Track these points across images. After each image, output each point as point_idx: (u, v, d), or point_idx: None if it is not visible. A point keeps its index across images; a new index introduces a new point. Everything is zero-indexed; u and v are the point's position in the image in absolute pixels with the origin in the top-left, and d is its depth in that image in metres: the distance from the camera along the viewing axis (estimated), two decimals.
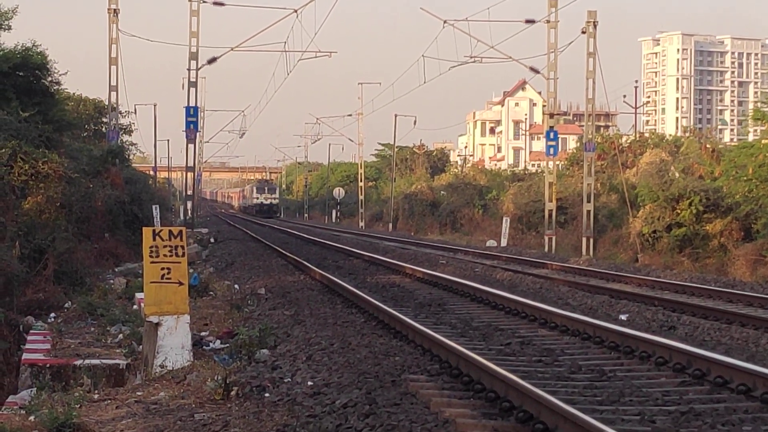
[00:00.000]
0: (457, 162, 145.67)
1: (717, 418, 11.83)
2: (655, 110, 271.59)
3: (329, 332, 19.59)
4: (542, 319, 21.04)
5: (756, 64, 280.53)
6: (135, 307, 23.28)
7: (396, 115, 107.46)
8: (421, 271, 33.70)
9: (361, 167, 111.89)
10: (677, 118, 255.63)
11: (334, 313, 23.15)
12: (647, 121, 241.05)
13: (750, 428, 11.34)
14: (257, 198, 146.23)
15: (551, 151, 58.23)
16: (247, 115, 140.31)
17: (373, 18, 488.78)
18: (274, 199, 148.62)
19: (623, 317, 22.76)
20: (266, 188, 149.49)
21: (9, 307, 21.94)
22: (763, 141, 47.59)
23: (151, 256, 16.94)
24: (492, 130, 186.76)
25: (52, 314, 24.25)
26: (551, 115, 59.88)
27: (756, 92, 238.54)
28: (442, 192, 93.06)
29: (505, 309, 23.38)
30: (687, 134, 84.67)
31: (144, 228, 17.86)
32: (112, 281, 32.04)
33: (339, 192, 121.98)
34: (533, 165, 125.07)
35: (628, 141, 74.44)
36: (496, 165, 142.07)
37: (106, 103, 58.44)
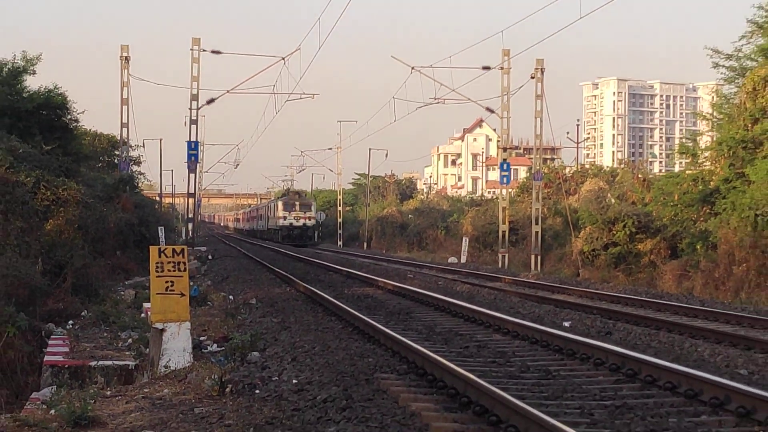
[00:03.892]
0: (423, 189, 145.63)
1: (647, 412, 11.90)
2: (594, 145, 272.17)
3: (311, 337, 19.58)
4: (496, 326, 21.09)
5: (681, 105, 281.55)
6: (143, 315, 23.23)
7: (370, 149, 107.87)
8: (391, 284, 33.72)
9: (339, 194, 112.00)
10: (613, 152, 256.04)
11: (315, 320, 23.15)
12: (587, 155, 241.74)
13: (675, 420, 11.40)
14: (285, 218, 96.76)
15: (504, 180, 58.40)
16: (240, 149, 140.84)
17: (350, 65, 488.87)
18: (309, 219, 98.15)
19: (566, 324, 22.80)
20: (298, 204, 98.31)
21: (33, 316, 21.85)
22: (687, 172, 47.84)
23: (157, 271, 16.93)
24: (453, 162, 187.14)
25: (70, 321, 24.17)
26: (504, 149, 60.04)
27: (681, 129, 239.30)
28: (409, 215, 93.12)
29: (464, 317, 23.42)
30: (622, 166, 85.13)
31: (151, 246, 17.81)
32: (122, 293, 31.94)
33: (321, 216, 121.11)
34: (489, 192, 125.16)
35: (571, 171, 74.71)
36: (456, 192, 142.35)
37: (118, 138, 58.58)
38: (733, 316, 23.59)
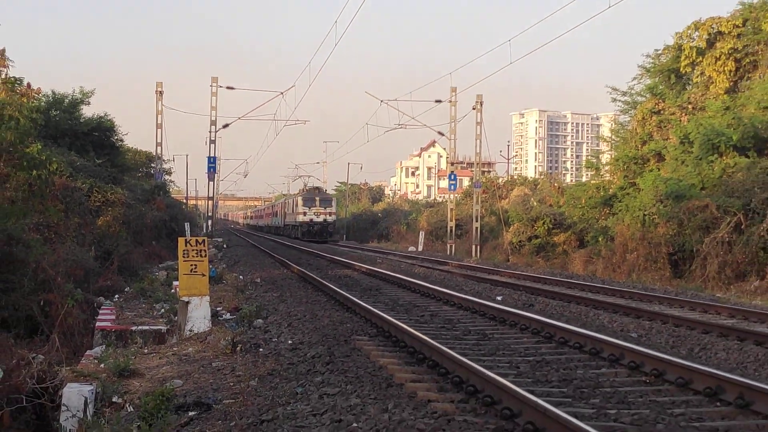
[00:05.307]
0: (389, 194, 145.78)
1: (560, 365, 11.97)
2: (521, 161, 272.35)
3: (303, 308, 19.57)
4: (445, 299, 21.14)
5: (587, 130, 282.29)
6: (172, 291, 23.14)
7: (348, 163, 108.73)
8: (364, 267, 33.74)
9: None
10: (535, 166, 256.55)
11: (306, 295, 23.13)
12: (515, 168, 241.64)
13: (581, 372, 11.47)
14: (305, 213, 75.11)
15: (452, 187, 58.56)
16: (248, 162, 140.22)
17: (334, 98, 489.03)
18: (330, 214, 76.07)
19: (499, 298, 22.88)
20: (318, 199, 76.16)
21: (87, 291, 21.74)
22: (591, 181, 48.17)
23: (183, 257, 16.91)
24: (413, 173, 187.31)
25: (116, 296, 24.08)
26: (452, 164, 60.14)
27: (587, 149, 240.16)
28: (379, 214, 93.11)
29: (421, 292, 23.46)
30: (542, 177, 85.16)
31: (179, 238, 17.81)
32: (157, 273, 31.79)
33: None
34: (440, 197, 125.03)
35: (503, 181, 74.79)
36: (415, 196, 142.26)
37: (154, 153, 58.31)
38: (627, 292, 23.72)
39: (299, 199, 77.02)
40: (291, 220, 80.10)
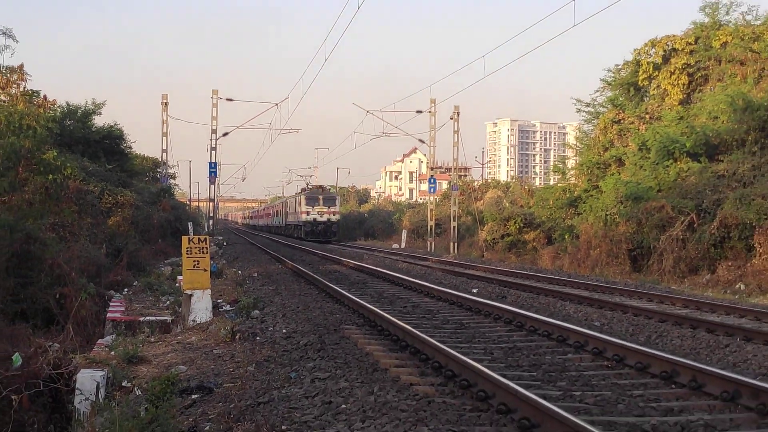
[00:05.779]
0: (375, 196, 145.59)
1: (530, 351, 12.00)
2: (494, 165, 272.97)
3: (296, 300, 19.55)
4: (426, 292, 21.15)
5: (555, 138, 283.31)
6: (177, 284, 23.06)
7: (338, 168, 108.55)
8: (352, 263, 33.70)
9: None
10: (507, 171, 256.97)
11: (299, 288, 23.11)
12: (489, 172, 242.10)
13: (549, 357, 11.50)
14: (308, 212, 66.76)
15: (432, 190, 58.58)
16: (246, 167, 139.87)
17: (323, 108, 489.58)
18: (333, 213, 67.96)
19: (474, 291, 22.90)
20: (321, 198, 67.73)
21: (99, 285, 21.61)
22: (558, 185, 48.27)
23: (187, 253, 16.86)
24: (396, 177, 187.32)
25: (126, 289, 23.96)
26: (432, 168, 60.19)
27: (554, 156, 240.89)
28: (365, 214, 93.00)
29: (404, 285, 23.46)
30: (513, 180, 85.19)
31: (183, 236, 17.76)
32: (163, 269, 31.66)
33: None
34: (421, 198, 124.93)
35: (478, 184, 74.84)
36: (398, 198, 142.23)
37: (160, 159, 58.17)
38: (590, 285, 23.79)
39: (302, 197, 68.79)
40: (293, 219, 72.72)
